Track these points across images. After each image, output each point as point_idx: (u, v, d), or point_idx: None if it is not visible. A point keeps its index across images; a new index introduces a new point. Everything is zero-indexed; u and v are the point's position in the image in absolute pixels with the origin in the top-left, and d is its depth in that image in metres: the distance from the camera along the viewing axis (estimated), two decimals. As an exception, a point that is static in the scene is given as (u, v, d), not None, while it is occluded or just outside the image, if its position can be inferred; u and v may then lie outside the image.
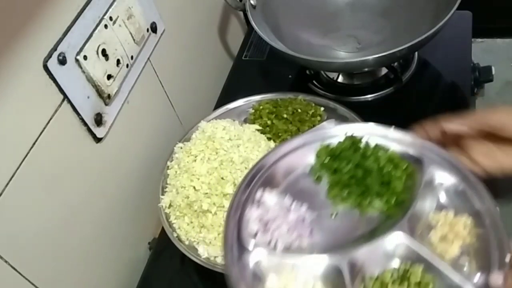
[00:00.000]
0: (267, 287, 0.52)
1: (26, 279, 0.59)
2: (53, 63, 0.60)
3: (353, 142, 0.60)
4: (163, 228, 0.71)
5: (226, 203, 0.67)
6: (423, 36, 0.74)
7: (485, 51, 1.17)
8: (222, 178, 0.69)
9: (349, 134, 0.60)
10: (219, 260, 0.67)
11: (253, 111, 0.83)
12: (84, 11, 0.64)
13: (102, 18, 0.68)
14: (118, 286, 0.78)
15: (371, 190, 0.57)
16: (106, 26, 0.68)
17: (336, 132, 0.61)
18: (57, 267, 0.64)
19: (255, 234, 0.55)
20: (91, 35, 0.65)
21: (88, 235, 0.70)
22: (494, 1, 1.08)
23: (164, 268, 0.78)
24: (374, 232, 0.55)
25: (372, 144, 0.60)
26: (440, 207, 0.56)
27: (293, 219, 0.56)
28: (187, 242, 0.69)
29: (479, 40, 1.18)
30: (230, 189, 0.67)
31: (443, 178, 0.57)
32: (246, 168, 0.70)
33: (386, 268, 0.53)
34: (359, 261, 0.53)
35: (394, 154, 0.59)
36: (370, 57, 0.76)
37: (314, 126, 0.77)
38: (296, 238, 0.55)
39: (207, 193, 0.68)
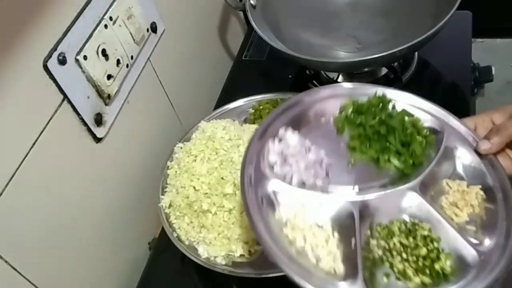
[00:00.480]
0: (278, 216, 0.54)
1: (26, 279, 0.59)
2: (53, 63, 0.60)
3: (381, 101, 0.62)
4: (163, 228, 0.71)
5: (226, 203, 0.67)
6: (423, 36, 0.74)
7: (485, 51, 1.17)
8: (222, 178, 0.69)
9: (379, 93, 0.62)
10: (219, 260, 0.66)
11: (253, 111, 0.83)
12: (84, 11, 0.64)
13: (102, 18, 0.68)
14: (118, 286, 0.78)
15: (391, 147, 0.58)
16: (106, 26, 0.68)
17: (366, 91, 0.63)
18: (57, 267, 0.65)
19: (273, 165, 0.57)
20: (91, 35, 0.65)
21: (88, 235, 0.70)
22: (494, 1, 1.08)
23: (164, 268, 0.78)
24: (387, 186, 0.57)
25: (399, 108, 0.62)
26: (455, 176, 0.58)
27: (311, 159, 0.59)
28: (187, 242, 0.69)
29: (479, 40, 1.18)
30: (230, 189, 0.67)
31: (462, 152, 0.59)
32: (246, 168, 0.70)
33: (395, 219, 0.54)
34: (370, 207, 0.55)
35: (418, 120, 0.61)
36: (370, 57, 0.76)
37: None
38: (312, 176, 0.58)
39: (207, 193, 0.68)
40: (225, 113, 0.84)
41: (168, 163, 0.77)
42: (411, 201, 0.55)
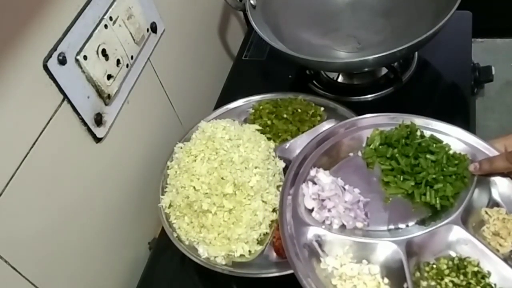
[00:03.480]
0: (322, 265, 0.53)
1: (26, 279, 0.59)
2: (53, 63, 0.60)
3: (410, 131, 0.60)
4: (163, 228, 0.71)
5: (226, 203, 0.67)
6: (423, 36, 0.74)
7: (485, 51, 1.17)
8: (222, 178, 0.69)
9: (406, 122, 0.61)
10: (219, 260, 0.66)
11: (253, 111, 0.83)
12: (84, 11, 0.64)
13: (102, 18, 0.68)
14: (118, 286, 0.78)
15: (426, 181, 0.57)
16: (106, 26, 0.68)
17: (389, 121, 0.62)
18: (57, 267, 0.64)
19: (311, 210, 0.56)
20: (91, 35, 0.65)
21: (88, 235, 0.70)
22: (494, 1, 1.09)
23: (164, 268, 0.78)
24: (427, 221, 0.55)
25: (427, 135, 0.60)
26: (492, 204, 0.57)
27: (349, 200, 0.57)
28: (187, 242, 0.69)
29: (479, 40, 1.18)
30: (230, 189, 0.67)
31: (496, 178, 0.57)
32: (246, 168, 0.70)
33: (442, 256, 0.53)
34: (414, 246, 0.53)
35: (449, 147, 0.59)
36: (370, 57, 0.76)
37: (314, 126, 0.77)
38: (352, 219, 0.56)
39: (207, 193, 0.68)
40: (225, 113, 0.84)
41: (168, 163, 0.77)
42: (454, 235, 0.54)
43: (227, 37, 1.11)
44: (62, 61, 0.61)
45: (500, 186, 0.57)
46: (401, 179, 0.57)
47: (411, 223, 0.56)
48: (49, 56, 0.59)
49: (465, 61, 0.93)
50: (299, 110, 0.80)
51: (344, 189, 0.58)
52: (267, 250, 0.66)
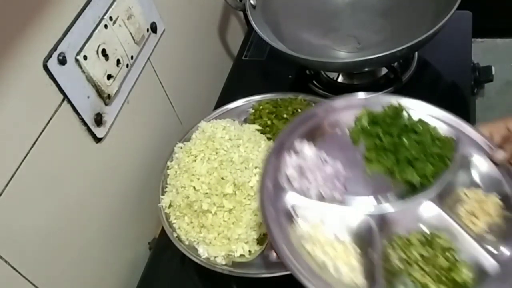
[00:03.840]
0: (297, 230, 0.54)
1: (26, 279, 0.59)
2: (53, 63, 0.60)
3: (397, 112, 0.62)
4: (163, 228, 0.71)
5: (226, 203, 0.67)
6: (423, 36, 0.74)
7: (485, 51, 1.17)
8: (222, 178, 0.69)
9: (395, 103, 0.62)
10: (219, 260, 0.66)
11: (253, 111, 0.83)
12: (84, 11, 0.64)
13: (102, 18, 0.68)
14: (118, 286, 0.78)
15: (407, 159, 0.58)
16: (106, 26, 0.68)
17: (380, 101, 0.63)
18: (57, 267, 0.64)
19: (292, 179, 0.57)
20: (91, 35, 0.65)
21: (88, 235, 0.70)
22: (494, 1, 1.08)
23: (164, 268, 0.78)
24: (404, 197, 0.57)
25: (415, 117, 0.61)
26: (471, 185, 0.58)
27: (329, 172, 0.59)
28: (187, 242, 0.69)
29: (479, 40, 1.18)
30: (230, 189, 0.67)
31: (478, 160, 0.58)
32: (246, 168, 0.70)
33: (414, 231, 0.54)
34: (388, 219, 0.55)
35: (434, 129, 0.61)
36: (370, 57, 0.76)
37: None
38: (330, 189, 0.58)
39: (207, 193, 0.68)
40: (225, 113, 0.84)
41: (168, 163, 0.77)
42: (429, 211, 0.55)
43: (227, 37, 1.11)
44: (62, 61, 0.61)
45: (480, 168, 0.58)
46: (384, 156, 0.59)
47: (388, 198, 0.58)
48: (49, 56, 0.59)
49: (465, 61, 0.93)
50: (299, 110, 0.80)
51: (326, 161, 0.60)
52: (267, 250, 0.66)
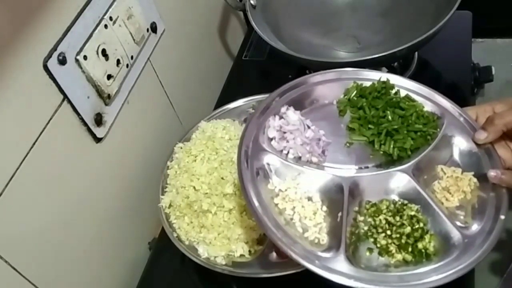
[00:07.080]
0: (270, 186, 0.56)
1: (26, 279, 0.59)
2: (53, 63, 0.60)
3: (385, 86, 0.64)
4: (163, 228, 0.71)
5: (226, 203, 0.67)
6: (423, 36, 0.74)
7: (485, 51, 1.17)
8: (222, 178, 0.69)
9: (383, 79, 0.64)
10: (219, 260, 0.66)
11: (253, 111, 0.83)
12: (84, 11, 0.64)
13: (102, 18, 0.68)
14: (118, 286, 0.78)
15: (388, 131, 0.60)
16: (106, 26, 0.68)
17: (370, 76, 0.66)
18: (57, 267, 0.65)
19: (272, 139, 0.60)
20: (91, 35, 0.65)
21: (88, 235, 0.70)
22: (494, 1, 1.08)
23: (164, 268, 0.78)
24: (380, 167, 0.59)
25: (402, 94, 0.64)
26: (451, 163, 0.60)
27: (309, 136, 0.61)
28: (187, 242, 0.69)
29: (479, 40, 1.18)
30: (230, 189, 0.67)
31: (460, 140, 0.60)
32: (246, 168, 0.70)
33: (385, 199, 0.57)
34: (360, 185, 0.57)
35: (420, 106, 0.62)
36: (370, 57, 0.76)
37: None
38: (308, 153, 0.60)
39: (207, 193, 0.68)
40: (225, 113, 0.84)
41: (168, 163, 0.77)
42: (401, 182, 0.57)
43: (227, 37, 1.11)
44: (62, 61, 0.61)
45: (462, 147, 0.60)
46: (366, 127, 0.61)
47: (366, 168, 0.59)
48: (49, 56, 0.59)
49: (465, 61, 0.93)
50: (299, 110, 0.80)
51: (309, 127, 0.62)
52: (267, 250, 0.66)
